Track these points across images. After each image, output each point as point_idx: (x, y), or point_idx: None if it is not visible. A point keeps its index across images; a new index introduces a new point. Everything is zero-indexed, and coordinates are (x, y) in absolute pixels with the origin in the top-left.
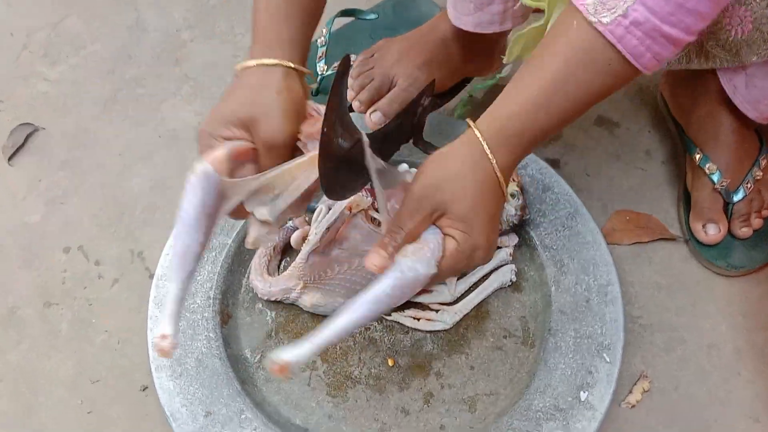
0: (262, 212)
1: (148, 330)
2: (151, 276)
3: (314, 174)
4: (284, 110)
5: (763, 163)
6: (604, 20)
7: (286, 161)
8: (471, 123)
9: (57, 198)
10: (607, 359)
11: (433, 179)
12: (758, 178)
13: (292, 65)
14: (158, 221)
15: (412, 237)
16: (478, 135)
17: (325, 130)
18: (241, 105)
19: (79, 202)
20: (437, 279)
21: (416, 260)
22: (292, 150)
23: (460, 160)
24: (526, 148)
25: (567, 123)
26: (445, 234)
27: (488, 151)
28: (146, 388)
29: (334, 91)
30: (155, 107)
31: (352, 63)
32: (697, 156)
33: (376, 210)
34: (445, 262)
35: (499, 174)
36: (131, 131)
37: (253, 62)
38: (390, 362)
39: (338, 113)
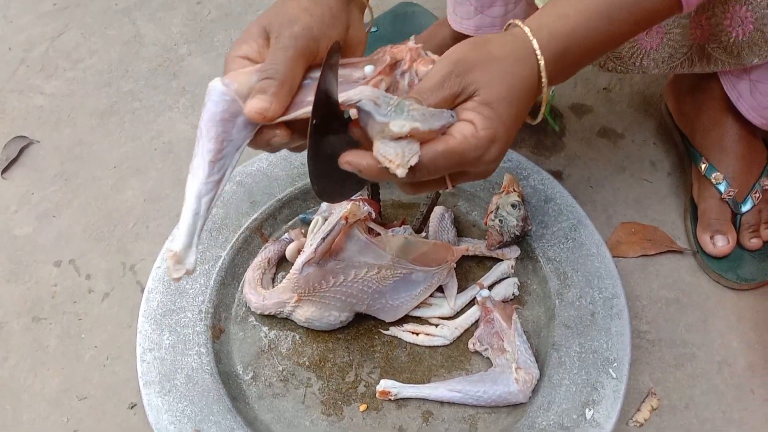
0: (400, 123)
1: (138, 345)
2: (143, 290)
3: None
4: (303, 4)
5: None
6: None
7: (292, 62)
8: (519, 22)
9: (49, 211)
10: (614, 375)
11: (470, 57)
12: (767, 187)
13: None
14: (151, 234)
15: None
16: (528, 33)
17: (314, 122)
18: (263, 17)
19: (72, 215)
20: (434, 169)
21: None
22: (304, 55)
23: (505, 48)
24: (570, 65)
25: (611, 46)
26: (462, 119)
27: (537, 49)
28: (134, 405)
29: (321, 83)
30: (151, 120)
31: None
32: (703, 166)
33: (374, 221)
34: (455, 147)
35: (544, 75)
36: (126, 144)
37: None
38: (362, 407)
39: (327, 107)
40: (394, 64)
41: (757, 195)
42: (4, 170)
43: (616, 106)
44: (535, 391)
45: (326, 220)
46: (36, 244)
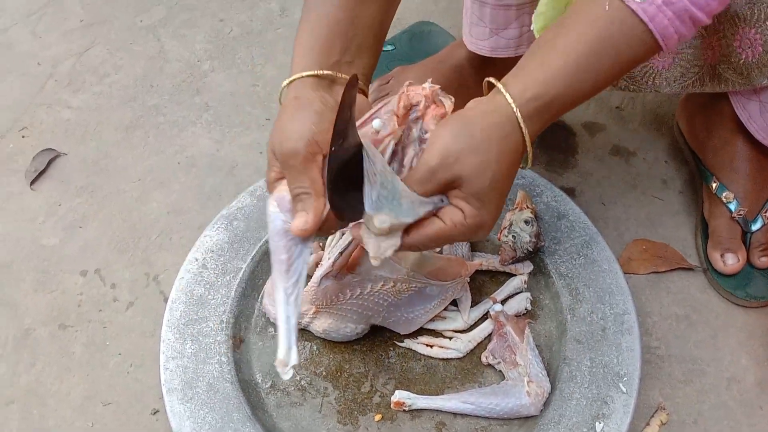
0: (382, 219)
1: (161, 354)
2: (166, 299)
3: None
4: (289, 120)
5: None
6: None
7: (306, 175)
8: (501, 88)
9: (75, 222)
10: (624, 390)
11: (454, 148)
12: None
13: (306, 74)
14: (174, 246)
15: None
16: (511, 103)
17: (333, 149)
18: (270, 142)
19: (97, 227)
20: (424, 247)
21: None
22: (313, 161)
23: (487, 128)
24: (554, 116)
25: (592, 95)
26: (452, 203)
27: (521, 122)
28: (157, 411)
29: (342, 108)
30: (175, 135)
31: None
32: (714, 185)
33: None
34: (444, 231)
35: (528, 145)
36: (150, 158)
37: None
38: (377, 417)
39: (347, 131)
40: (409, 110)
41: None
42: (33, 182)
43: (629, 124)
44: (546, 404)
45: (343, 234)
46: (63, 254)
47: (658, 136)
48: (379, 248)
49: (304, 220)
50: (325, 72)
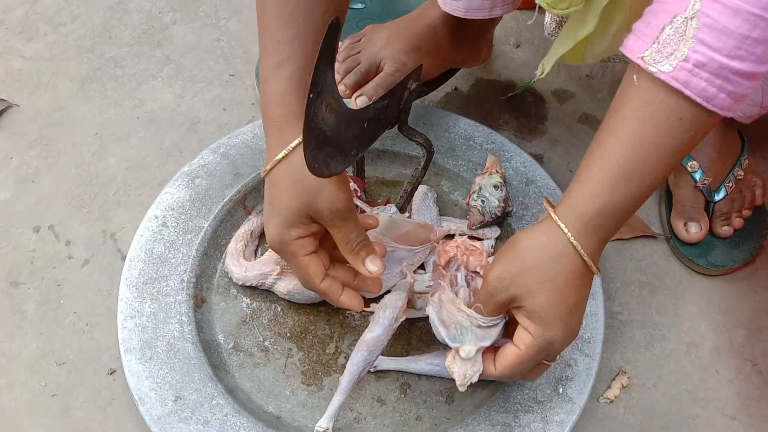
0: (468, 350)
1: (119, 313)
2: (123, 258)
3: None
4: (333, 180)
5: (745, 162)
6: (665, 69)
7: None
8: (550, 210)
9: (28, 176)
10: (587, 353)
11: (506, 273)
12: (740, 177)
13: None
14: (132, 203)
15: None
16: (559, 223)
17: (310, 96)
18: (293, 202)
19: (52, 181)
20: (514, 376)
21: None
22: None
23: (538, 250)
24: (611, 227)
25: (650, 192)
26: (520, 325)
27: (572, 240)
28: (114, 371)
29: (320, 56)
30: (134, 88)
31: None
32: None
33: (360, 198)
34: (520, 356)
35: (587, 260)
36: (108, 111)
37: (271, 164)
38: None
39: (325, 81)
40: (448, 262)
41: (731, 184)
42: None
43: (598, 93)
44: None
45: None
46: (14, 210)
47: None
48: (465, 377)
49: (351, 300)
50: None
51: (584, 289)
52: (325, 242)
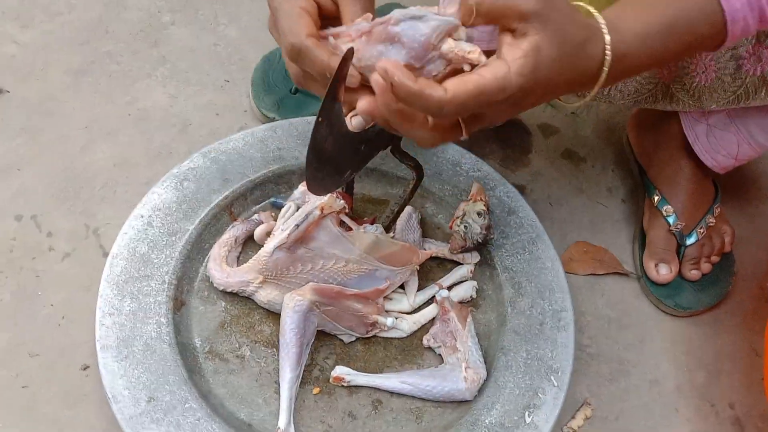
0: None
1: (98, 309)
2: (105, 254)
3: None
4: None
5: (717, 211)
6: None
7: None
8: (595, 13)
9: (13, 164)
10: (555, 383)
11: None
12: (711, 224)
13: None
14: (118, 200)
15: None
16: (591, 9)
17: (319, 120)
18: None
19: (37, 171)
20: (457, 111)
21: None
22: None
23: (572, 12)
24: (627, 71)
25: (660, 63)
26: (500, 55)
27: (605, 32)
28: (88, 367)
29: (333, 82)
30: (128, 85)
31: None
32: (656, 198)
33: (347, 215)
34: (483, 84)
35: (608, 48)
36: (100, 106)
37: None
38: (315, 390)
39: (333, 106)
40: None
41: (702, 230)
42: None
43: (582, 131)
44: (481, 390)
45: (299, 207)
46: None
47: (607, 145)
48: (473, 48)
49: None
50: None
51: (575, 77)
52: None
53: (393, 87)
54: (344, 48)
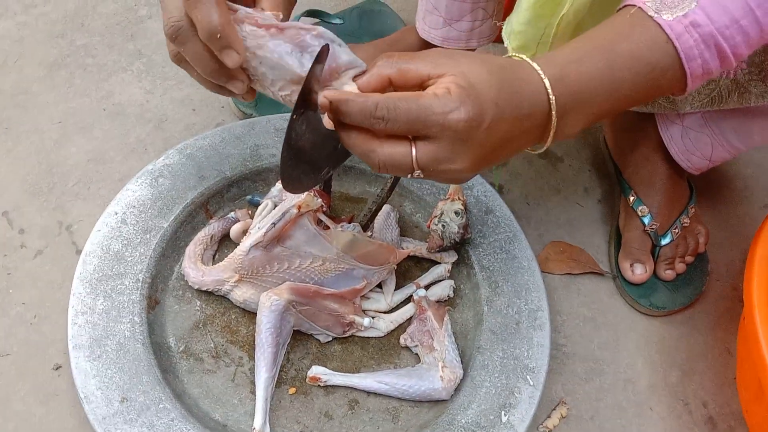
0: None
1: (70, 308)
2: (78, 252)
3: None
4: None
5: (692, 211)
6: (665, 17)
7: None
8: (523, 56)
9: None
10: (531, 382)
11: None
12: (686, 225)
13: None
14: (92, 196)
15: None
16: (536, 68)
17: (293, 117)
18: None
19: (9, 166)
20: (381, 114)
21: None
22: None
23: (506, 64)
24: (578, 89)
25: (615, 112)
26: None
27: (548, 87)
28: (59, 367)
29: (308, 78)
30: (103, 79)
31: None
32: (631, 198)
33: (325, 213)
34: (423, 99)
35: (554, 117)
36: (74, 100)
37: None
38: (291, 390)
39: (310, 102)
40: None
41: (677, 231)
42: None
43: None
44: (457, 389)
45: (276, 205)
46: None
47: (585, 146)
48: None
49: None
50: None
51: (526, 136)
52: None
53: (331, 104)
54: (247, 30)
